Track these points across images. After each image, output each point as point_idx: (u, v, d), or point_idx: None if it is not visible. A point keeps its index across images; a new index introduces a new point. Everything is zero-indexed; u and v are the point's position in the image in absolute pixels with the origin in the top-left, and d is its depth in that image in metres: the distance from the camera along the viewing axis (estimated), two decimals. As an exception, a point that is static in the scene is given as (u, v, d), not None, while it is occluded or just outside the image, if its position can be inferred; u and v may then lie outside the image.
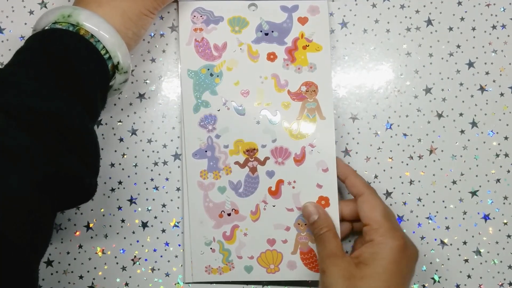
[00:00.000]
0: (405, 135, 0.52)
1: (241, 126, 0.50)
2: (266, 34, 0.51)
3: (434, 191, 0.51)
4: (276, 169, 0.50)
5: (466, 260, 0.51)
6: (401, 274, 0.43)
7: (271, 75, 0.51)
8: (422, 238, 0.51)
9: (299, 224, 0.49)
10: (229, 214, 0.50)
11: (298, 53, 0.51)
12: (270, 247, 0.49)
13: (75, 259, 0.50)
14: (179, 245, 0.50)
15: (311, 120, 0.50)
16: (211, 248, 0.49)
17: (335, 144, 0.49)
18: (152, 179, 0.51)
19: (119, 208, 0.51)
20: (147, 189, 0.51)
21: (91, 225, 0.51)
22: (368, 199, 0.46)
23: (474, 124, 0.52)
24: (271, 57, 0.51)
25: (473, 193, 0.52)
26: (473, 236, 0.51)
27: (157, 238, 0.51)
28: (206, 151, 0.50)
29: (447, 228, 0.51)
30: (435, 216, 0.51)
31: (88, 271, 0.50)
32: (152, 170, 0.51)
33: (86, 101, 0.40)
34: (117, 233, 0.51)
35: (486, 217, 0.51)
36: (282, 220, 0.50)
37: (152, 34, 0.52)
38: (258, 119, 0.50)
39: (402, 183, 0.51)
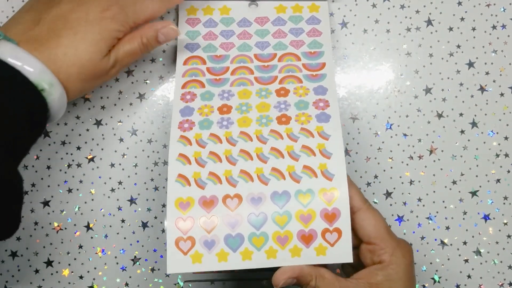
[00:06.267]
0: (405, 135, 0.52)
1: None
2: None
3: (434, 191, 0.51)
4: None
5: (466, 260, 0.51)
6: (413, 283, 0.43)
7: None
8: (422, 238, 0.51)
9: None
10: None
11: None
12: None
13: (75, 259, 0.50)
14: (179, 245, 0.51)
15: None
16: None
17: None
18: (152, 179, 0.51)
19: (119, 208, 0.51)
20: (147, 189, 0.51)
21: (91, 225, 0.51)
22: (368, 216, 0.43)
23: (474, 124, 0.52)
24: None
25: (473, 193, 0.52)
26: (473, 236, 0.51)
27: (157, 238, 0.51)
28: None
29: (447, 228, 0.51)
30: (435, 216, 0.51)
31: (88, 271, 0.50)
32: (152, 170, 0.51)
33: (8, 145, 0.37)
34: (117, 233, 0.51)
35: (486, 217, 0.51)
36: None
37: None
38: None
39: (402, 183, 0.51)
